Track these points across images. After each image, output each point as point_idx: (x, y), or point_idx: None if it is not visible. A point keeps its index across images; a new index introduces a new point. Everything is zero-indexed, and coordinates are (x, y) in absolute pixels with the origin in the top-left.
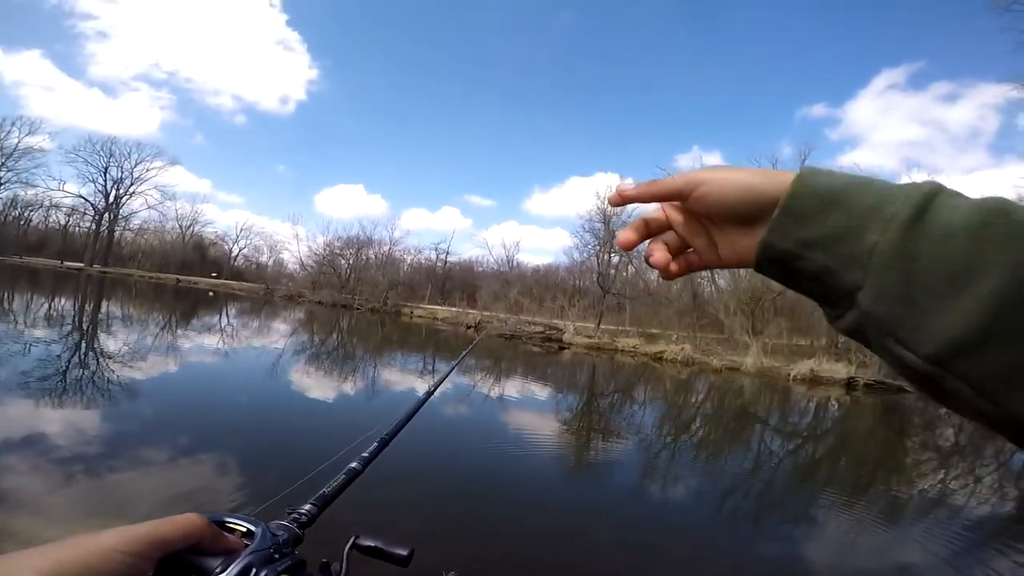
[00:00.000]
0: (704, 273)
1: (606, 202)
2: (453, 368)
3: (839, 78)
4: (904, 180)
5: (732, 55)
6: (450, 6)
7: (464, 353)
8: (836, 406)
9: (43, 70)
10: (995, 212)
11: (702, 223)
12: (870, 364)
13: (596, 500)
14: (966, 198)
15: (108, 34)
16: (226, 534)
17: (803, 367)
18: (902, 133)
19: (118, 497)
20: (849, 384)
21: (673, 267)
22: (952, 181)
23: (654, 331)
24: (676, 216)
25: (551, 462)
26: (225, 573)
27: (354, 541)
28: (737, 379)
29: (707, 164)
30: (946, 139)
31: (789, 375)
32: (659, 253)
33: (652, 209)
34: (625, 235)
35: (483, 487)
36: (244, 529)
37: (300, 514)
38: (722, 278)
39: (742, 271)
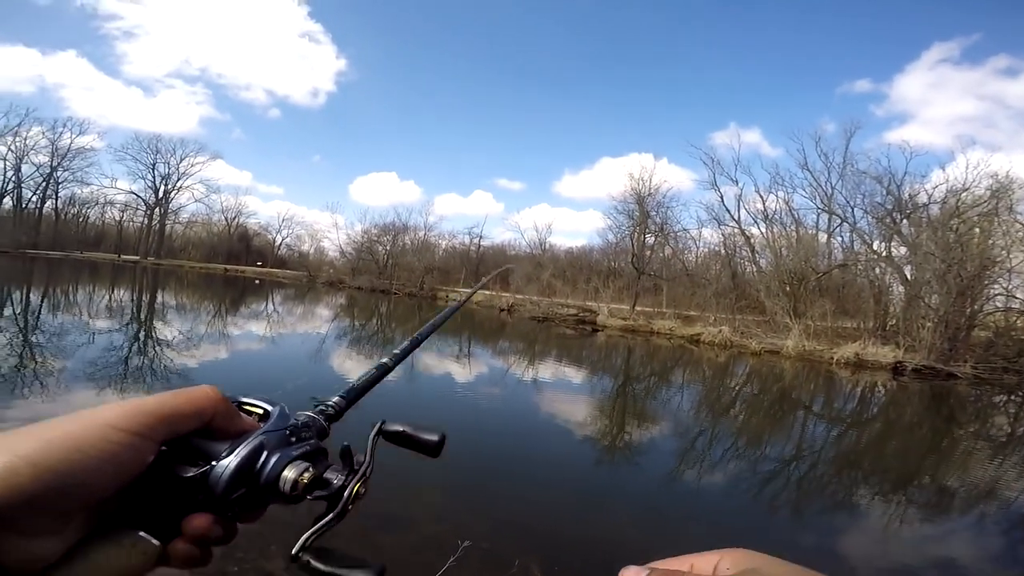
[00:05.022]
0: (744, 252)
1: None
2: (478, 288)
3: (883, 53)
4: (960, 159)
5: (768, 29)
6: None
7: (486, 279)
8: (881, 392)
9: (81, 71)
10: None
11: None
12: (919, 348)
13: (619, 481)
14: None
15: (135, 33)
16: (241, 415)
17: (847, 350)
18: (956, 108)
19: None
20: (896, 369)
21: None
22: (1014, 159)
23: (691, 313)
24: None
25: (574, 441)
26: (233, 454)
27: (380, 427)
28: (777, 363)
29: (745, 142)
30: (1008, 114)
31: (832, 359)
32: None
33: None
34: None
35: (507, 463)
36: (261, 411)
37: (327, 406)
38: (763, 258)
39: (784, 251)
